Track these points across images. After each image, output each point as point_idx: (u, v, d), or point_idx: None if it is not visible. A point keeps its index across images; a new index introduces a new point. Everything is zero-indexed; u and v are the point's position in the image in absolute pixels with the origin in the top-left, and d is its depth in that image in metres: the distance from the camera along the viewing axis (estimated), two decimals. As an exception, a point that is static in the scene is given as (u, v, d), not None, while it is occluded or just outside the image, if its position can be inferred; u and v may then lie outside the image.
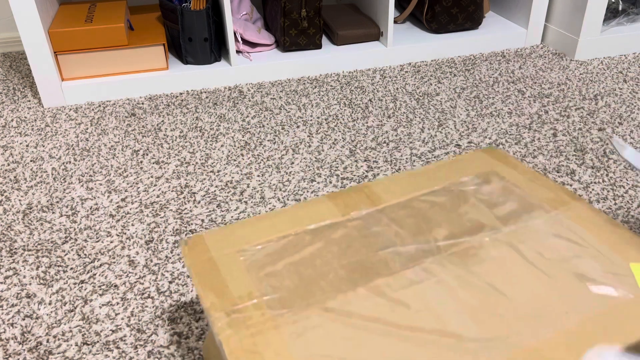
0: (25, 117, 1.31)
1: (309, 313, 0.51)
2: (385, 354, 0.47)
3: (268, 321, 0.51)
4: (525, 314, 0.51)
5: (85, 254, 0.89)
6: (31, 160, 1.14)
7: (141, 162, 1.13)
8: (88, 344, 0.74)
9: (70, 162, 1.14)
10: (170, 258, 0.88)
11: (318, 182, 1.05)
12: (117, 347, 0.73)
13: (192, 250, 0.60)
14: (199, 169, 1.10)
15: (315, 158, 1.13)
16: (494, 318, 0.51)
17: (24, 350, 0.73)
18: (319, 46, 1.50)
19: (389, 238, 0.60)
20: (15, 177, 1.09)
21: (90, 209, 1.00)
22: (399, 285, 0.54)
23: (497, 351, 0.48)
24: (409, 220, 0.63)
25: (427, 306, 0.52)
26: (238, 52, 1.49)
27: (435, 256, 0.58)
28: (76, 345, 0.74)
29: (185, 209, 0.99)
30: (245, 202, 1.00)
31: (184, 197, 1.02)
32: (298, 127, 1.24)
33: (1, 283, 0.84)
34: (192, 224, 0.95)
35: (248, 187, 1.05)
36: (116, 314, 0.78)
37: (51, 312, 0.79)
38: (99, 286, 0.83)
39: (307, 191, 1.03)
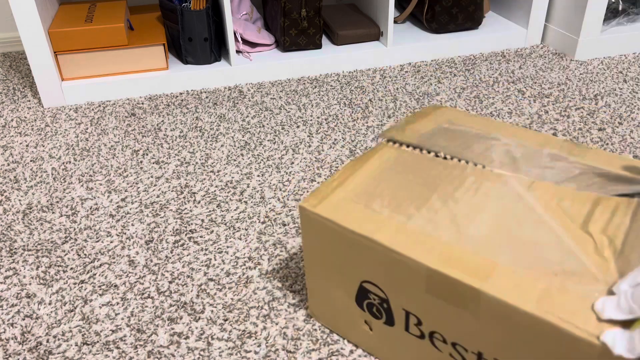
0: (25, 117, 1.31)
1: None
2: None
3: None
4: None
5: (85, 254, 0.89)
6: (31, 160, 1.14)
7: (141, 162, 1.13)
8: (88, 344, 0.74)
9: (70, 162, 1.14)
10: (170, 258, 0.88)
11: (318, 182, 1.05)
12: (117, 347, 0.73)
13: (413, 115, 0.82)
14: (199, 169, 1.10)
15: (315, 158, 1.13)
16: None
17: (24, 350, 0.73)
18: (319, 46, 1.50)
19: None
20: (15, 177, 1.09)
21: (90, 209, 1.00)
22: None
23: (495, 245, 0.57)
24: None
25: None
26: (238, 52, 1.49)
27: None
28: (76, 345, 0.74)
29: (185, 208, 0.99)
30: (245, 202, 1.00)
31: (184, 197, 1.02)
32: (298, 127, 1.24)
33: (1, 283, 0.84)
34: (192, 223, 0.95)
35: (248, 187, 1.05)
36: (116, 314, 0.78)
37: (51, 312, 0.79)
38: (99, 286, 0.83)
39: (307, 191, 1.03)
